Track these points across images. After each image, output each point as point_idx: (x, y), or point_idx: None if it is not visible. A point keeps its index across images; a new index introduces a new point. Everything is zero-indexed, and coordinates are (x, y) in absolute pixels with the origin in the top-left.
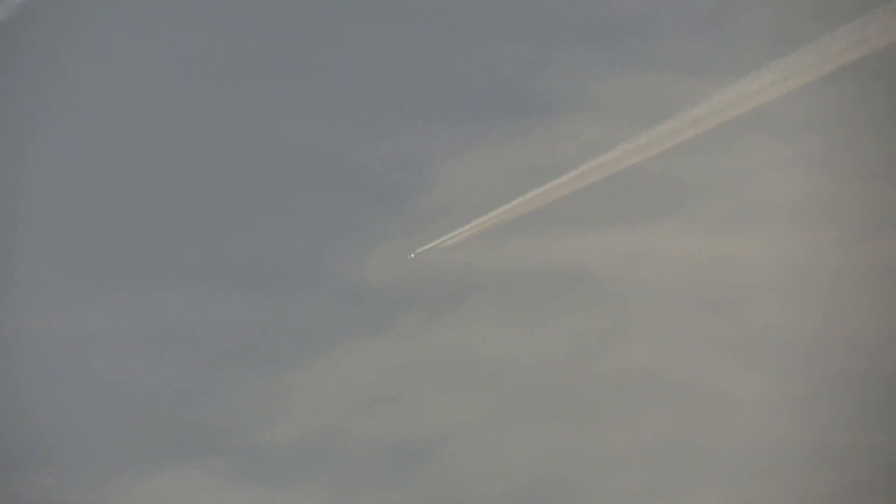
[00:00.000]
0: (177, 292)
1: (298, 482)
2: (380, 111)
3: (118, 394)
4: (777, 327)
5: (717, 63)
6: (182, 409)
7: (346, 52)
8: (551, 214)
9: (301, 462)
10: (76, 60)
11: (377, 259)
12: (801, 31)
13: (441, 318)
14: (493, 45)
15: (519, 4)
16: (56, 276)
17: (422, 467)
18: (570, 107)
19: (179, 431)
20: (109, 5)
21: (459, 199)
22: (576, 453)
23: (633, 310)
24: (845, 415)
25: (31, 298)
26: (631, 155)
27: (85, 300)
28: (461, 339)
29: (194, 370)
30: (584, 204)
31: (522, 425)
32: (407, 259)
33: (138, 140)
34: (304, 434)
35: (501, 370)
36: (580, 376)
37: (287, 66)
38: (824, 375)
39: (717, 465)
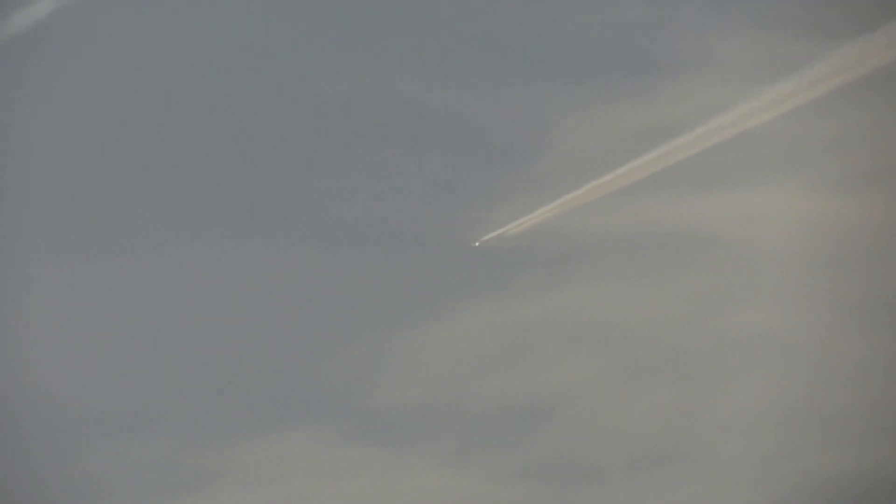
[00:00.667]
0: (294, 252)
1: (414, 445)
2: (499, 70)
3: (234, 356)
4: None
5: (838, 23)
6: (298, 371)
7: (466, 10)
8: (670, 175)
9: (417, 424)
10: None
11: (496, 219)
12: None
13: (560, 279)
14: (613, 4)
15: None
16: (168, 235)
17: (538, 430)
18: (690, 66)
19: (295, 394)
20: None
21: (578, 159)
22: (694, 416)
23: (752, 272)
24: None
25: (140, 254)
26: (750, 115)
27: (198, 261)
28: (580, 301)
29: (310, 331)
30: (703, 165)
31: (640, 388)
32: (525, 219)
33: (243, 94)
34: (420, 396)
35: (619, 332)
36: (698, 338)
37: (404, 24)
38: None
39: (838, 425)
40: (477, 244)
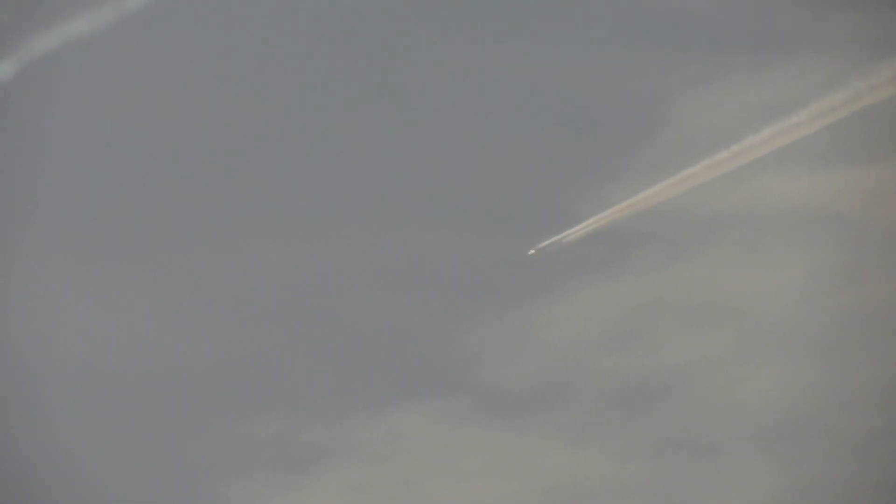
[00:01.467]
0: (413, 230)
1: (532, 422)
2: (617, 48)
3: (356, 331)
4: None
5: None
6: (415, 348)
7: None
8: (789, 152)
9: (535, 402)
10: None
11: (616, 196)
12: None
13: (681, 255)
14: None
15: None
16: (285, 210)
17: (657, 407)
18: (806, 43)
19: (412, 370)
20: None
21: (696, 136)
22: (817, 392)
23: (871, 247)
24: None
25: (258, 232)
26: (868, 92)
27: (315, 238)
28: (698, 278)
29: (428, 308)
30: (822, 142)
31: (760, 365)
32: (643, 196)
33: (358, 69)
34: (538, 373)
35: (738, 309)
36: (819, 314)
37: (522, 2)
38: None
39: None
40: (595, 221)
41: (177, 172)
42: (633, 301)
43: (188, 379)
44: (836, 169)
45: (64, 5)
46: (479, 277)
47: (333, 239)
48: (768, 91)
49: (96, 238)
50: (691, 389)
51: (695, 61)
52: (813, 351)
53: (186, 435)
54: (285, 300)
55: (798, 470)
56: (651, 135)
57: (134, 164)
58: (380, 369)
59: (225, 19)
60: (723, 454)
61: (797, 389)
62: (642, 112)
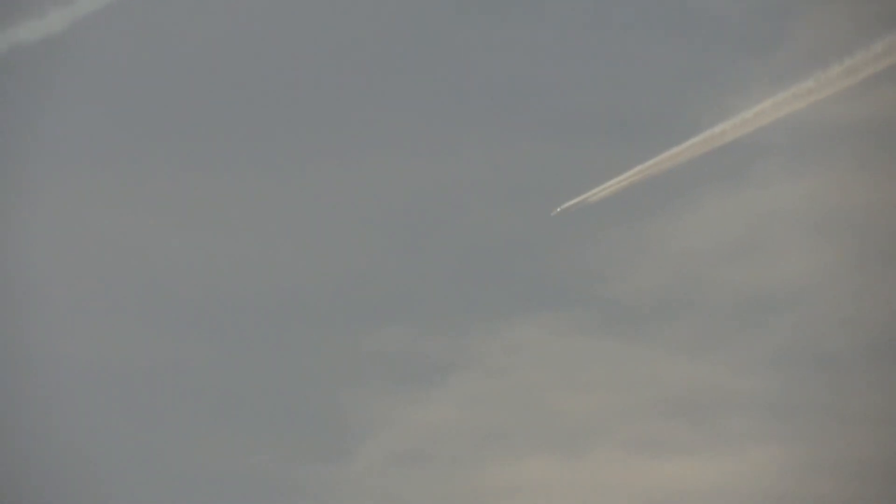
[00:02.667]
0: (537, 141)
1: (652, 334)
2: None
3: (477, 244)
4: None
5: None
6: (534, 261)
7: None
8: None
9: (660, 313)
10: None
11: (739, 107)
12: None
13: (802, 166)
14: None
15: None
16: (404, 126)
17: (777, 319)
18: None
19: (538, 282)
20: None
21: (816, 47)
22: None
23: None
24: None
25: (378, 145)
26: None
27: (430, 151)
28: (818, 189)
29: (547, 221)
30: None
31: (878, 276)
32: (768, 106)
33: None
34: (663, 284)
35: (858, 220)
36: None
37: None
38: None
39: None
40: (715, 131)
41: (297, 84)
42: (753, 212)
43: (310, 293)
44: None
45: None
46: (600, 189)
47: (455, 151)
48: (886, 5)
49: (214, 149)
50: (811, 301)
51: None
52: None
53: (308, 348)
54: (407, 213)
55: None
56: (772, 47)
57: (256, 74)
58: (500, 282)
59: None
60: (842, 365)
61: None
62: (764, 24)
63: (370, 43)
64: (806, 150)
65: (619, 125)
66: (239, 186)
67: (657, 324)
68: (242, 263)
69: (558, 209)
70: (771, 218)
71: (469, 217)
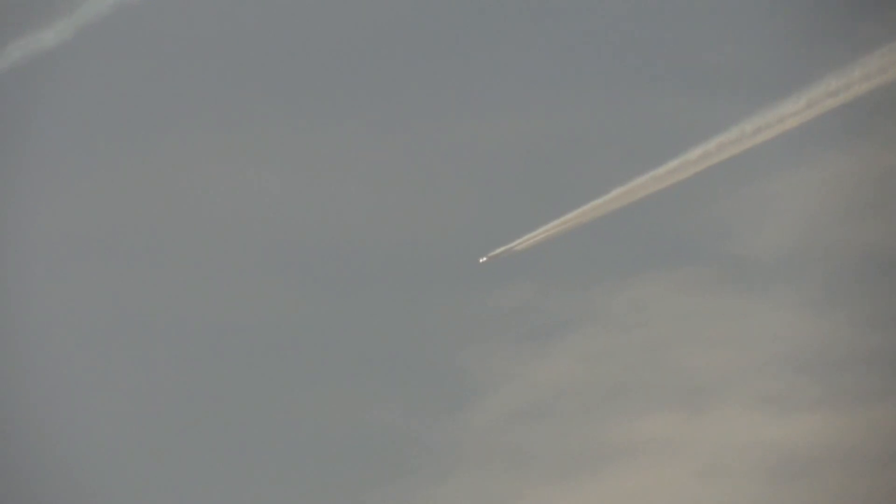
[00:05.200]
0: (657, 96)
1: (777, 290)
2: None
3: (600, 201)
4: None
5: None
6: (664, 216)
7: None
8: None
9: (784, 270)
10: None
11: (863, 67)
12: None
13: None
14: None
15: None
16: (524, 81)
17: None
18: None
19: (661, 239)
20: None
21: None
22: None
23: None
24: None
25: (507, 96)
26: None
27: (553, 106)
28: None
29: (676, 175)
30: None
31: None
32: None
33: None
34: (783, 243)
35: None
36: None
37: None
38: None
39: None
40: (842, 87)
41: (406, 42)
42: (875, 172)
43: (432, 248)
44: None
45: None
46: (727, 146)
47: (568, 107)
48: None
49: (340, 103)
50: None
51: None
52: None
53: (430, 304)
54: (527, 168)
55: None
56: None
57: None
58: (624, 238)
59: None
60: None
61: None
62: None
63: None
64: None
65: (737, 80)
66: (357, 140)
67: (782, 280)
68: (363, 217)
69: (682, 165)
70: (892, 176)
71: (592, 172)
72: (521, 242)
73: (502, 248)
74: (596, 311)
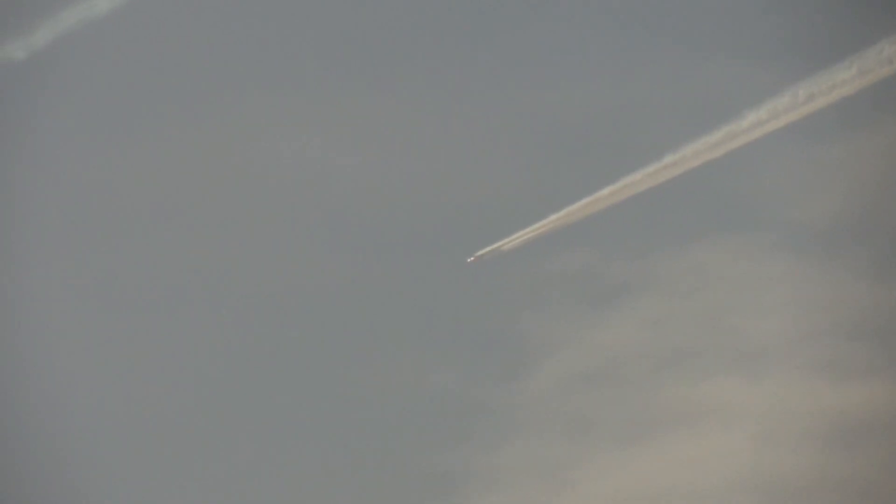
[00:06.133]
0: (709, 63)
1: (840, 256)
2: None
3: (655, 167)
4: None
5: None
6: (724, 182)
7: None
8: None
9: (843, 235)
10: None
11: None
12: None
13: None
14: None
15: None
16: (569, 49)
17: None
18: None
19: (720, 204)
20: None
21: None
22: None
23: None
24: None
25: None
26: None
27: (610, 74)
28: None
29: (735, 141)
30: None
31: None
32: None
33: None
34: (841, 209)
35: None
36: None
37: None
38: None
39: None
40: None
41: (469, 11)
42: None
43: (491, 213)
44: None
45: None
46: (787, 112)
47: (623, 75)
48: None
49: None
50: None
51: None
52: None
53: (491, 269)
54: (579, 135)
55: None
56: None
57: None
58: (683, 204)
59: None
60: None
61: None
62: None
63: None
64: None
65: (793, 45)
66: (411, 107)
67: (840, 246)
68: (419, 183)
69: (739, 132)
70: None
71: (649, 139)
72: (578, 209)
73: (559, 214)
74: (655, 276)
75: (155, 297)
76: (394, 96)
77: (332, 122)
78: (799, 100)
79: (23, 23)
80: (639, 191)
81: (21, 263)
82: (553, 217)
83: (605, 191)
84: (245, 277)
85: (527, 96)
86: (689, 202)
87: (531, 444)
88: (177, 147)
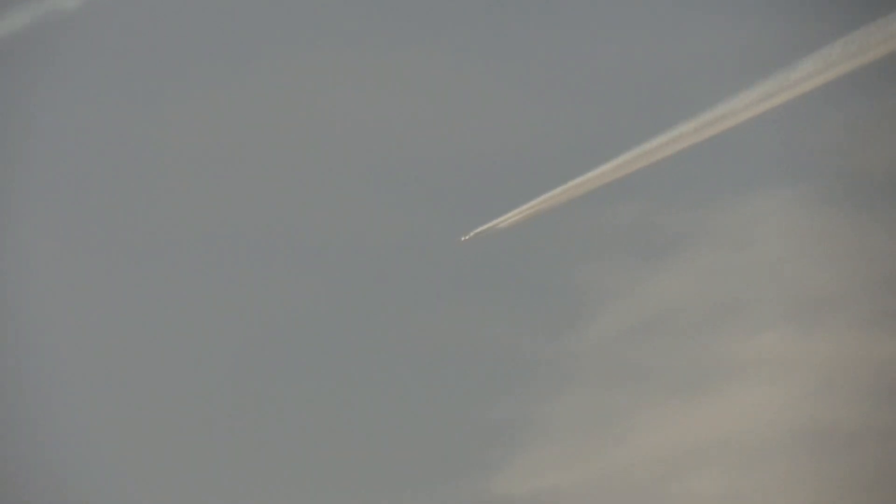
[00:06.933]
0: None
1: (889, 208)
2: None
3: (713, 119)
4: None
5: None
6: (779, 134)
7: None
8: None
9: (893, 188)
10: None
11: None
12: None
13: None
14: None
15: None
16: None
17: None
18: None
19: (777, 154)
20: None
21: None
22: None
23: None
24: None
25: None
26: None
27: (670, 29)
28: None
29: (790, 91)
30: None
31: None
32: None
33: None
34: None
35: None
36: None
37: None
38: None
39: None
40: None
41: None
42: None
43: (545, 168)
44: None
45: None
46: (837, 66)
47: (677, 24)
48: None
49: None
50: None
51: None
52: None
53: (544, 221)
54: (632, 87)
55: None
56: None
57: None
58: (740, 154)
59: None
60: None
61: None
62: None
63: None
64: None
65: None
66: (473, 63)
67: (890, 198)
68: (475, 135)
69: (794, 82)
70: None
71: (705, 88)
72: (633, 160)
73: (612, 164)
74: (710, 227)
75: (206, 254)
76: (441, 50)
77: (377, 76)
78: (853, 50)
79: None
80: (693, 142)
81: (64, 223)
82: (604, 168)
83: (659, 140)
84: (294, 231)
85: (577, 48)
86: (744, 153)
87: (586, 395)
88: (224, 103)
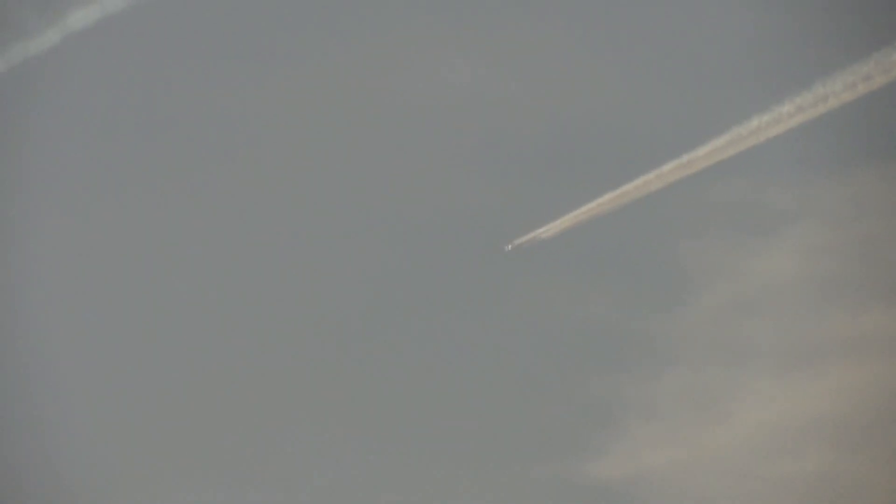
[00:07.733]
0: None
1: None
2: None
3: (816, 97)
4: None
5: None
6: (880, 111)
7: None
8: None
9: None
10: None
11: None
12: None
13: None
14: None
15: None
16: None
17: None
18: None
19: (879, 131)
20: None
21: None
22: None
23: None
24: None
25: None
26: None
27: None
28: None
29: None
30: None
31: None
32: None
33: None
34: None
35: None
36: None
37: None
38: None
39: None
40: None
41: None
42: None
43: (644, 145)
44: None
45: None
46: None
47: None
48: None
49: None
50: None
51: None
52: None
53: (649, 197)
54: (741, 65)
55: None
56: None
57: None
58: (841, 132)
59: None
60: None
61: None
62: None
63: None
64: None
65: None
66: (551, 32)
67: None
68: (563, 110)
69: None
70: None
71: (817, 66)
72: (740, 138)
73: (719, 140)
74: (813, 205)
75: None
76: (551, 25)
77: (483, 49)
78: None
79: None
80: (796, 122)
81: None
82: (711, 146)
83: (765, 117)
84: (395, 201)
85: (685, 25)
86: (849, 130)
87: (689, 373)
88: (325, 72)
